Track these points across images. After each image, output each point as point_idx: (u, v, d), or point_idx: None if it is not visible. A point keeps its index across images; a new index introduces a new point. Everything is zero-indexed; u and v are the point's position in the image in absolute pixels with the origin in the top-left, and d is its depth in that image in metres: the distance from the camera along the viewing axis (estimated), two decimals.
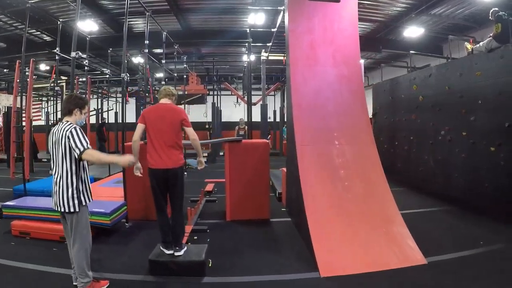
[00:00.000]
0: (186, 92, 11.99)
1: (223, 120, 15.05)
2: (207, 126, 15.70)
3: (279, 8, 6.57)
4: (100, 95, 15.33)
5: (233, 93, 16.22)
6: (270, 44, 9.35)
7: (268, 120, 13.38)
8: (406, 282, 3.04)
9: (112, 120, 14.04)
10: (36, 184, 5.90)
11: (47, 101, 15.02)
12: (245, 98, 13.74)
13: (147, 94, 9.86)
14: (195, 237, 4.14)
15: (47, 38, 11.18)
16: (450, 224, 4.72)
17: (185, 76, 12.16)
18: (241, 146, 4.95)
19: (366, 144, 4.36)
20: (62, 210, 2.68)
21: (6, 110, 11.52)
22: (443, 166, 6.23)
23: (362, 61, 6.28)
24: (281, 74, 14.67)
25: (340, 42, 4.66)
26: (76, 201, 2.66)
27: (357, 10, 4.87)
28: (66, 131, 2.63)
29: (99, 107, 14.81)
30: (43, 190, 5.37)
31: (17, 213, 4.26)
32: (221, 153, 11.59)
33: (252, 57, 11.10)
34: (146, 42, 6.51)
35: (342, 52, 4.63)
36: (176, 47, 9.48)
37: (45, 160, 10.98)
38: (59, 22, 7.09)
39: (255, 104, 14.00)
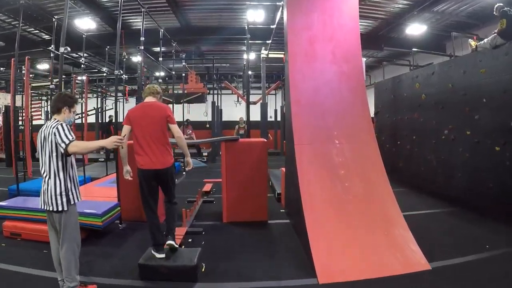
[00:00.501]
0: (185, 91, 11.87)
1: (223, 119, 14.93)
2: (207, 126, 15.60)
3: (278, 3, 6.42)
4: (99, 94, 15.24)
5: (233, 92, 16.13)
6: (270, 41, 9.20)
7: (269, 119, 13.26)
8: None
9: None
10: (32, 184, 5.81)
11: (47, 100, 14.94)
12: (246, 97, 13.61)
13: None
14: (190, 240, 4.02)
15: (46, 37, 11.07)
16: (454, 225, 4.57)
17: (183, 75, 12.03)
18: (238, 146, 4.83)
19: (367, 143, 4.22)
20: (50, 209, 2.59)
21: (4, 109, 11.45)
22: (446, 166, 6.07)
23: (363, 60, 6.12)
24: (282, 73, 14.49)
25: (340, 37, 4.50)
26: (64, 199, 2.58)
27: (357, 4, 4.70)
28: (53, 128, 2.57)
29: (98, 106, 14.72)
30: (38, 190, 5.23)
31: (9, 213, 4.18)
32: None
33: (252, 55, 10.97)
34: (142, 38, 6.44)
35: (342, 48, 4.48)
36: (174, 44, 9.36)
37: None
38: (54, 19, 6.98)
39: (255, 103, 13.89)
